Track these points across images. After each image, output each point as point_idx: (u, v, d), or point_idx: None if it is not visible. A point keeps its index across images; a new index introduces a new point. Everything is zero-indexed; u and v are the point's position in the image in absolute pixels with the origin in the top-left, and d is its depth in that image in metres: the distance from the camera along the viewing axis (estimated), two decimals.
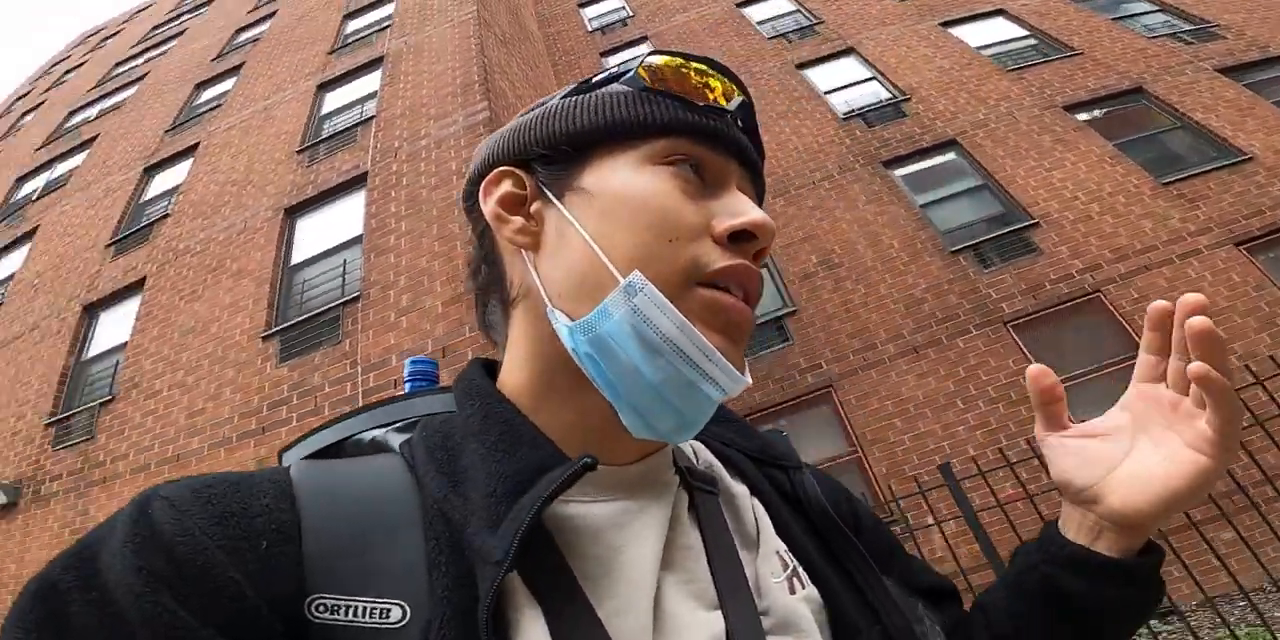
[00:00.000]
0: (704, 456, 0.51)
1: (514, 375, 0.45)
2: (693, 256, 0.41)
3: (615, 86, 0.45)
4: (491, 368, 0.48)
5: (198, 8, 14.58)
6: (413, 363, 0.58)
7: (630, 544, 0.40)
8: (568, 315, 0.40)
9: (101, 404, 5.92)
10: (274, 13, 11.38)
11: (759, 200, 0.48)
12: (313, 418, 4.82)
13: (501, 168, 0.47)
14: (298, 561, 0.33)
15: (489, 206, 0.46)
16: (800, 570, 0.46)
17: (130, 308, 6.71)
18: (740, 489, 0.49)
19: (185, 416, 5.36)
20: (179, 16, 14.79)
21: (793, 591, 0.44)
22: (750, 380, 0.41)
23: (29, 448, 6.05)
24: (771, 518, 0.49)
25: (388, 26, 8.71)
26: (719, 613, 0.40)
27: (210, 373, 5.53)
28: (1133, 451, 0.45)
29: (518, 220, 0.45)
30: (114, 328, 6.70)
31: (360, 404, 4.51)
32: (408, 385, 0.57)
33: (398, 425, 0.47)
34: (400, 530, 0.36)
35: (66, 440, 5.87)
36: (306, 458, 0.44)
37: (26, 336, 7.14)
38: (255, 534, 0.32)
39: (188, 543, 0.30)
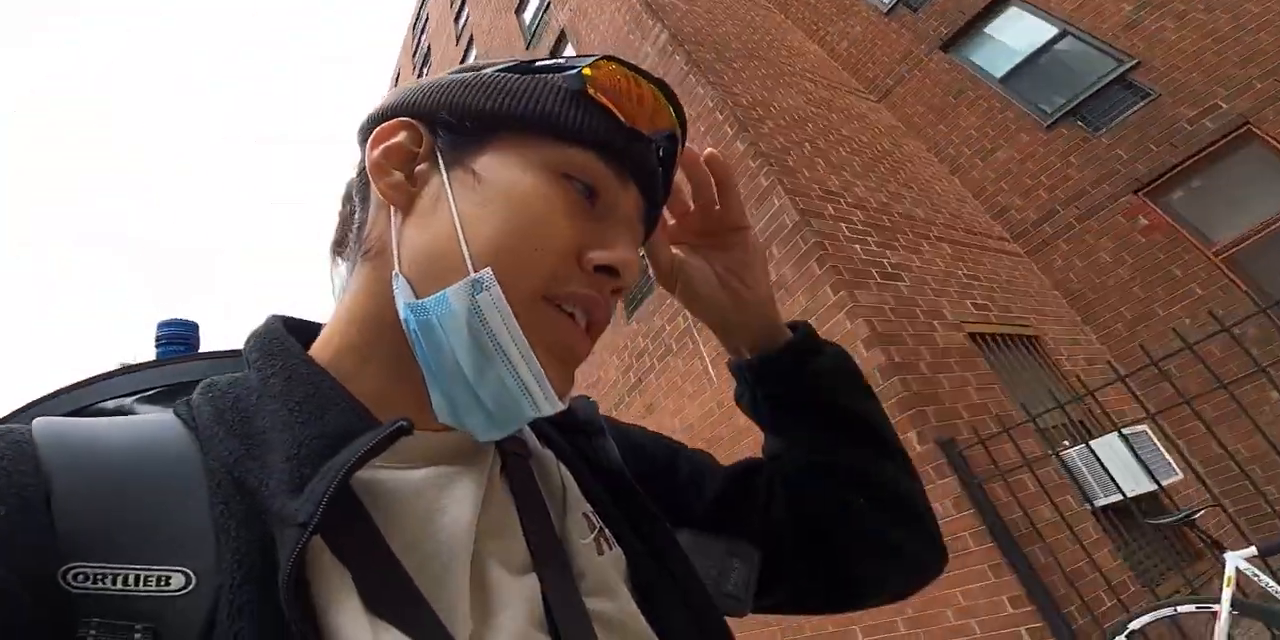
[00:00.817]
0: None
1: (337, 334, 0.43)
2: (551, 272, 0.40)
3: (553, 78, 0.43)
4: (292, 326, 0.45)
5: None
6: (164, 325, 0.52)
7: (444, 509, 0.38)
8: (411, 287, 0.39)
9: None
10: (470, 38, 12.41)
11: (647, 234, 0.50)
12: None
13: (403, 118, 0.45)
14: (45, 528, 0.29)
15: (374, 152, 0.44)
16: (606, 531, 0.46)
17: None
18: (547, 453, 0.49)
19: None
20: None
21: (600, 553, 0.44)
22: (565, 406, 0.40)
23: None
24: (577, 481, 0.49)
25: (549, 3, 8.86)
26: (534, 576, 0.40)
27: None
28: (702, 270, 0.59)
29: (398, 175, 0.43)
30: None
31: None
32: (158, 351, 0.51)
33: (147, 394, 0.42)
34: (180, 493, 0.33)
35: None
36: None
37: None
38: None
39: None
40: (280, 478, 0.33)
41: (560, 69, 0.44)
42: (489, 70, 0.45)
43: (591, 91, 0.42)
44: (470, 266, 0.38)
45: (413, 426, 0.36)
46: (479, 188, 0.41)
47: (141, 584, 0.29)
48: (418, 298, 0.39)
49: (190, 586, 0.29)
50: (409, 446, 0.37)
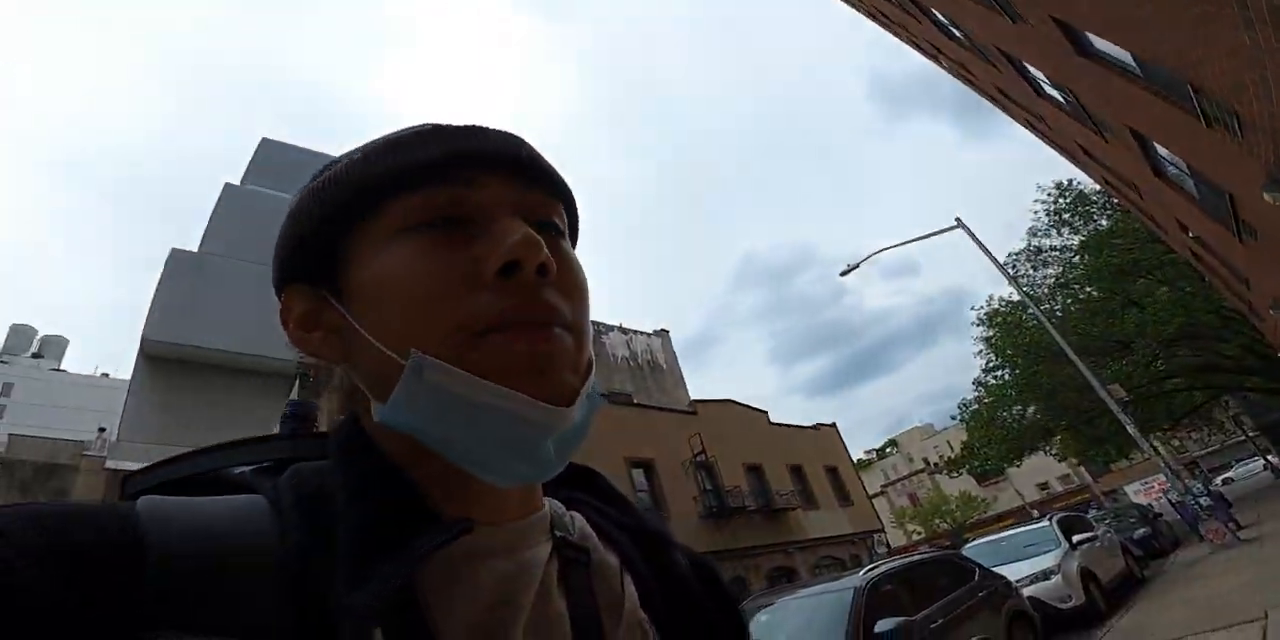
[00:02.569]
0: (580, 526, 0.51)
1: (390, 433, 0.44)
2: (466, 311, 0.41)
3: (348, 159, 0.46)
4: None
5: None
6: (291, 404, 0.56)
7: (498, 604, 0.40)
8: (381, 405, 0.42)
9: None
10: None
11: (547, 199, 0.48)
12: None
13: (284, 288, 0.47)
14: (135, 597, 0.31)
15: (289, 332, 0.47)
16: None
17: None
18: (612, 560, 0.51)
19: None
20: None
21: None
22: (572, 408, 0.42)
23: None
24: (639, 590, 0.50)
25: None
26: None
27: None
28: None
29: (316, 336, 0.46)
30: None
31: None
32: (282, 427, 0.55)
33: (264, 466, 0.46)
34: (254, 574, 0.35)
35: None
36: (155, 492, 0.41)
37: None
38: (88, 565, 0.31)
39: (7, 572, 0.29)
40: (348, 569, 0.35)
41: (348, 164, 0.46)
42: (293, 202, 0.47)
43: (379, 147, 0.45)
44: (396, 358, 0.40)
45: (473, 525, 0.39)
46: (362, 294, 0.43)
47: None
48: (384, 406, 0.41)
49: None
50: (471, 541, 0.40)
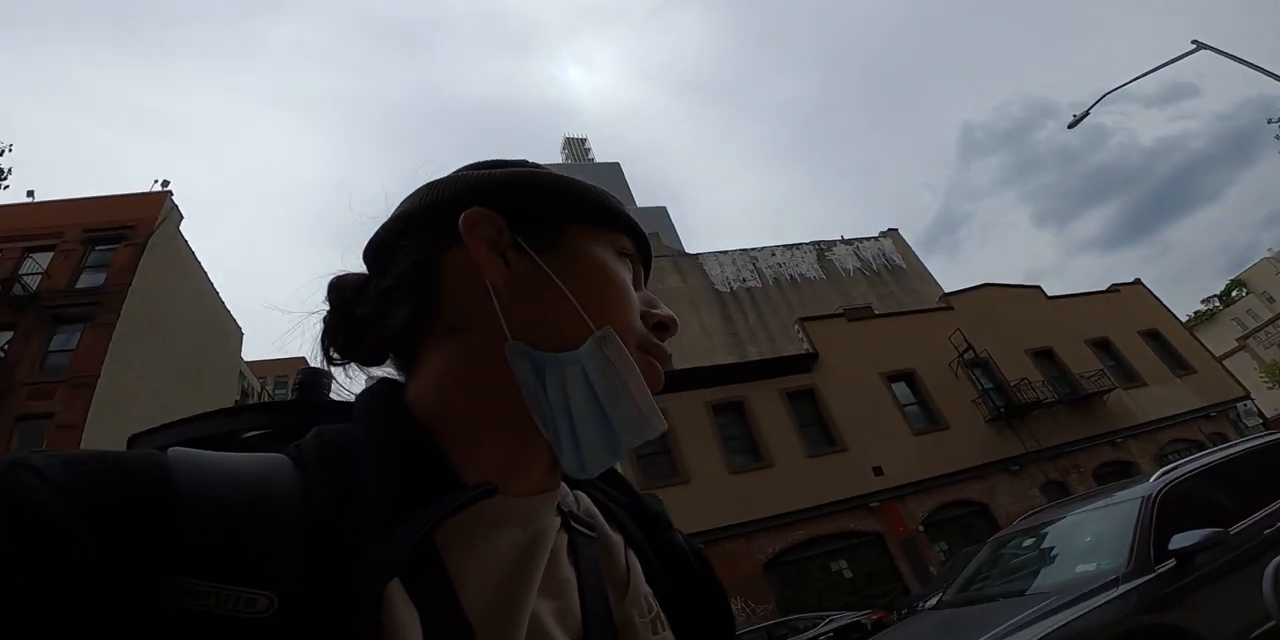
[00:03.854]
0: (585, 504, 0.55)
1: (432, 400, 0.46)
2: (639, 328, 0.50)
3: (589, 184, 0.54)
4: (396, 386, 0.49)
5: None
6: (302, 372, 0.58)
7: (513, 569, 0.43)
8: (531, 349, 0.45)
9: None
10: None
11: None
12: None
13: (480, 208, 0.49)
14: (162, 541, 0.32)
15: (476, 247, 0.48)
16: (662, 615, 0.51)
17: None
18: (617, 538, 0.54)
19: None
20: None
21: (655, 632, 0.49)
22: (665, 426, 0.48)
23: None
24: (643, 567, 0.53)
25: None
26: None
27: None
28: None
29: (504, 270, 0.48)
30: None
31: None
32: (296, 394, 0.58)
33: (270, 432, 0.49)
34: (280, 526, 0.36)
35: None
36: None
37: None
38: (118, 507, 0.32)
39: (44, 505, 0.30)
40: (373, 524, 0.37)
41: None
42: (539, 170, 0.54)
43: (601, 192, 0.53)
44: (592, 326, 0.46)
45: (496, 490, 0.42)
46: (572, 266, 0.48)
47: (231, 604, 0.32)
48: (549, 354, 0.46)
49: (272, 609, 0.33)
50: (490, 507, 0.43)
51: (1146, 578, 3.18)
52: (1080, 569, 3.57)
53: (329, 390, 0.58)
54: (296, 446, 0.43)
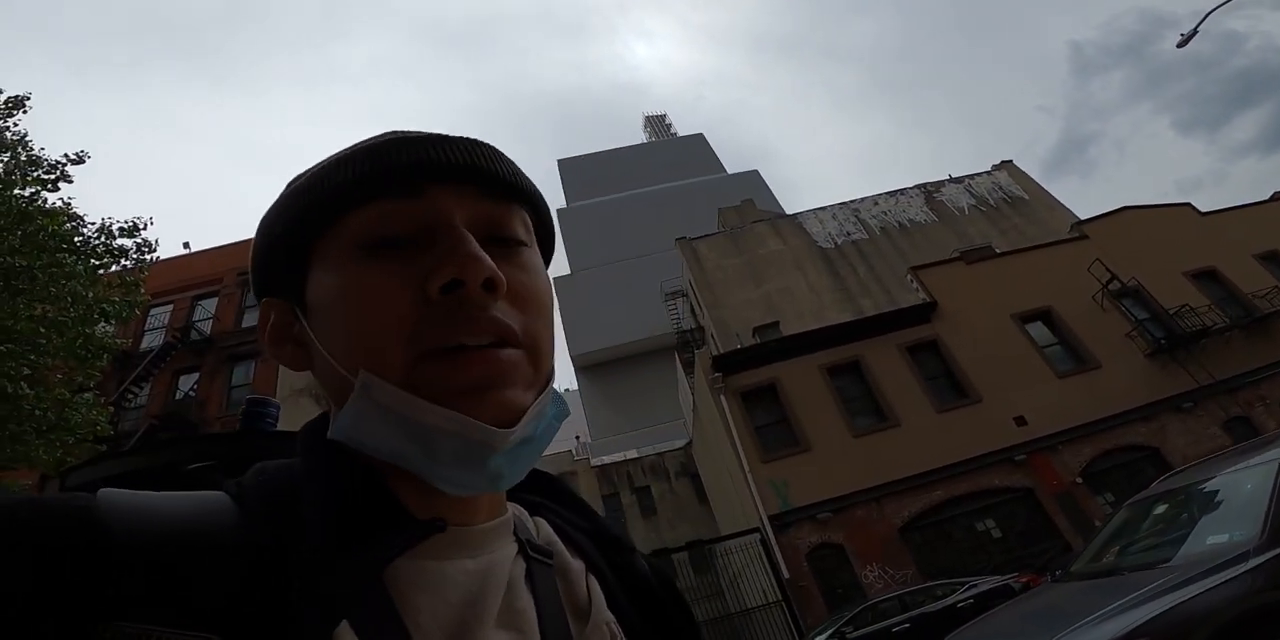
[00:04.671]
0: (544, 532, 0.53)
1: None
2: (407, 331, 0.41)
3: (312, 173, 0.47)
4: None
5: None
6: (251, 403, 0.56)
7: (467, 602, 0.41)
8: (338, 408, 0.44)
9: None
10: None
11: (506, 207, 0.47)
12: None
13: (262, 300, 0.48)
14: (97, 585, 0.32)
15: (264, 342, 0.48)
16: None
17: None
18: (577, 564, 0.52)
19: None
20: None
21: None
22: (519, 426, 0.41)
23: None
24: (604, 592, 0.51)
25: None
26: None
27: None
28: None
29: (288, 349, 0.47)
30: None
31: None
32: (242, 423, 0.56)
33: (213, 464, 0.50)
34: (220, 566, 0.35)
35: None
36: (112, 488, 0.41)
37: None
38: (45, 552, 0.32)
39: None
40: (319, 562, 0.36)
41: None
42: (270, 212, 0.48)
43: (336, 161, 0.46)
44: (350, 378, 0.41)
45: (445, 524, 0.42)
46: (320, 311, 0.44)
47: None
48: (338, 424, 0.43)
49: None
50: (440, 540, 0.42)
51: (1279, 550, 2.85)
52: (1212, 540, 3.24)
53: (276, 420, 0.59)
54: (236, 483, 0.43)
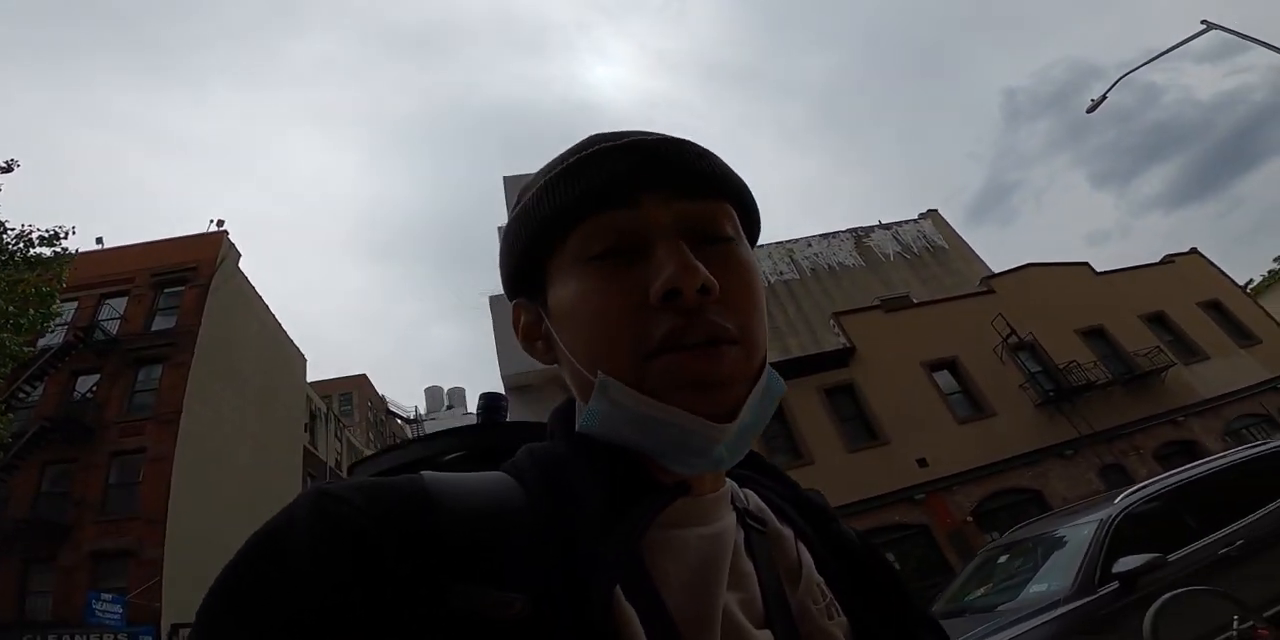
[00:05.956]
0: (755, 502, 0.56)
1: None
2: (635, 336, 0.45)
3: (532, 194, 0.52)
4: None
5: None
6: (485, 396, 0.64)
7: (704, 566, 0.45)
8: (583, 403, 0.49)
9: None
10: None
11: (713, 205, 0.50)
12: None
13: (517, 303, 0.55)
14: (437, 549, 0.38)
15: (520, 340, 0.54)
16: (835, 602, 0.52)
17: None
18: (787, 532, 0.55)
19: None
20: None
21: (830, 618, 0.50)
22: (729, 424, 0.45)
23: None
24: (813, 557, 0.54)
25: None
26: (768, 631, 0.46)
27: None
28: None
29: (539, 346, 0.53)
30: None
31: None
32: (480, 418, 0.65)
33: (462, 454, 0.57)
34: (522, 534, 0.41)
35: None
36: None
37: None
38: (405, 522, 0.38)
39: (354, 524, 0.37)
40: (592, 527, 0.41)
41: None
42: (510, 219, 0.54)
43: (561, 176, 0.50)
44: (589, 376, 0.47)
45: (691, 487, 0.47)
46: (560, 318, 0.49)
47: (496, 605, 0.36)
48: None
49: (526, 610, 0.36)
50: (677, 510, 0.46)
51: (1086, 600, 3.32)
52: (1034, 589, 3.73)
53: (507, 413, 0.65)
54: (513, 464, 0.49)
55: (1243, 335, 18.43)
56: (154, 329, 18.12)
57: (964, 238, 26.97)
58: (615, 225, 0.47)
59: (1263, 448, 4.67)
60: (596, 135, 0.52)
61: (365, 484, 0.41)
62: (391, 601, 0.35)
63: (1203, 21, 11.03)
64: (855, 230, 27.31)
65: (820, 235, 27.10)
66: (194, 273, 19.10)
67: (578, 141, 0.52)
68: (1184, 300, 18.82)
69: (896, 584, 0.57)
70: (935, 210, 28.17)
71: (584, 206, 0.48)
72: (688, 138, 0.52)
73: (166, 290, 19.01)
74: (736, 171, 0.53)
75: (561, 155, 0.52)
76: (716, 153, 0.53)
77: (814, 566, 0.53)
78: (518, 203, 0.53)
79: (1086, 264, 19.77)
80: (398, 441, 0.57)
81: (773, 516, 0.55)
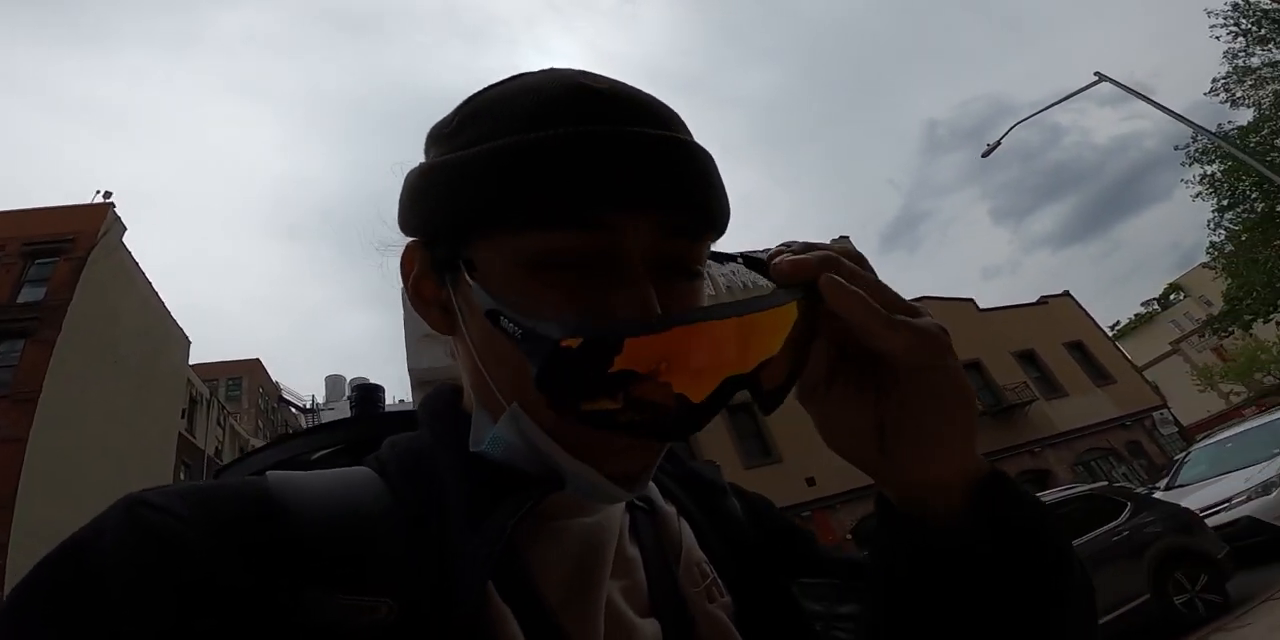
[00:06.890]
0: None
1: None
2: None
3: (481, 152, 0.39)
4: (457, 391, 0.49)
5: None
6: (357, 387, 0.62)
7: (586, 555, 0.44)
8: (480, 409, 0.44)
9: None
10: None
11: (694, 242, 0.42)
12: None
13: (409, 245, 0.45)
14: (284, 557, 0.34)
15: (407, 288, 0.46)
16: (718, 581, 0.49)
17: None
18: (669, 509, 0.53)
19: None
20: None
21: (711, 600, 0.47)
22: (637, 492, 0.42)
23: None
24: (696, 535, 0.52)
25: None
26: (654, 618, 0.44)
27: None
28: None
29: (435, 312, 0.45)
30: None
31: None
32: (353, 409, 0.62)
33: (336, 448, 0.54)
34: (383, 534, 0.38)
35: None
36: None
37: None
38: (241, 530, 0.35)
39: (174, 535, 0.33)
40: (456, 522, 0.39)
41: (490, 133, 0.40)
42: (433, 157, 0.43)
43: (541, 131, 0.38)
44: (497, 396, 0.40)
45: (564, 482, 0.40)
46: (478, 310, 0.38)
47: (355, 610, 0.34)
48: (487, 421, 0.42)
49: (390, 614, 0.34)
50: (558, 498, 0.41)
51: None
52: None
53: (383, 403, 0.61)
54: (375, 458, 0.45)
55: (1100, 375, 20.55)
56: (19, 301, 16.56)
57: (872, 265, 28.44)
58: (582, 244, 0.38)
59: (1075, 490, 5.47)
60: (584, 89, 0.40)
61: (192, 490, 0.37)
62: (233, 619, 0.32)
63: (1095, 73, 11.85)
64: (762, 251, 28.30)
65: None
66: (71, 244, 17.59)
67: (560, 83, 0.40)
68: (1052, 340, 20.79)
69: (803, 542, 0.56)
70: (847, 237, 29.69)
71: (550, 213, 0.37)
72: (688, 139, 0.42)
73: (38, 261, 17.40)
74: (727, 193, 0.43)
75: (542, 105, 0.40)
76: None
77: (695, 544, 0.51)
78: (452, 128, 0.42)
79: (971, 300, 21.45)
80: (288, 432, 0.56)
81: (657, 494, 0.53)
